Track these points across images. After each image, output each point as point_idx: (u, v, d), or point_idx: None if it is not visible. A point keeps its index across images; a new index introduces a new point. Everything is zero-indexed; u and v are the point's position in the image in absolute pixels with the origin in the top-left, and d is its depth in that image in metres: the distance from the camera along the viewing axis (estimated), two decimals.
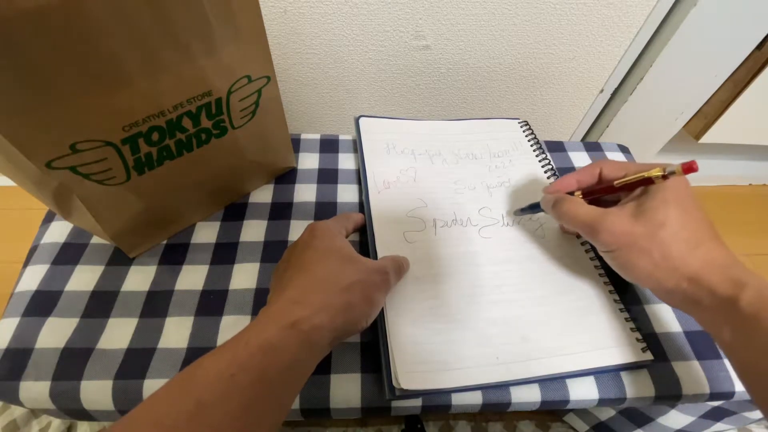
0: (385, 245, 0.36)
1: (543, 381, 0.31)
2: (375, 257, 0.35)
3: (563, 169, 0.47)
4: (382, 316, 0.32)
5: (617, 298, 0.34)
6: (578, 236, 0.38)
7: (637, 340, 0.32)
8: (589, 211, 0.31)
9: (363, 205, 0.40)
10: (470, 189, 0.42)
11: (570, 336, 0.32)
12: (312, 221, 0.40)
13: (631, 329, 0.33)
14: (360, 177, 0.43)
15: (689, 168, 0.27)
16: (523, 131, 0.48)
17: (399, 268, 0.33)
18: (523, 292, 0.35)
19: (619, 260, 0.30)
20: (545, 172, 0.43)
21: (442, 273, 0.35)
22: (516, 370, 0.30)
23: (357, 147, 0.45)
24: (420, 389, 0.29)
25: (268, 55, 0.33)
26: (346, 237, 0.34)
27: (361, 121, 0.47)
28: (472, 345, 0.31)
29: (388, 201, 0.40)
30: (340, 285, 0.27)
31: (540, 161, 0.45)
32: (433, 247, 0.37)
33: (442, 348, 0.31)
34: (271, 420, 0.23)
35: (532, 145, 0.46)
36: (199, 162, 0.34)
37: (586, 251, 0.37)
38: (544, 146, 0.48)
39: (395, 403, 0.31)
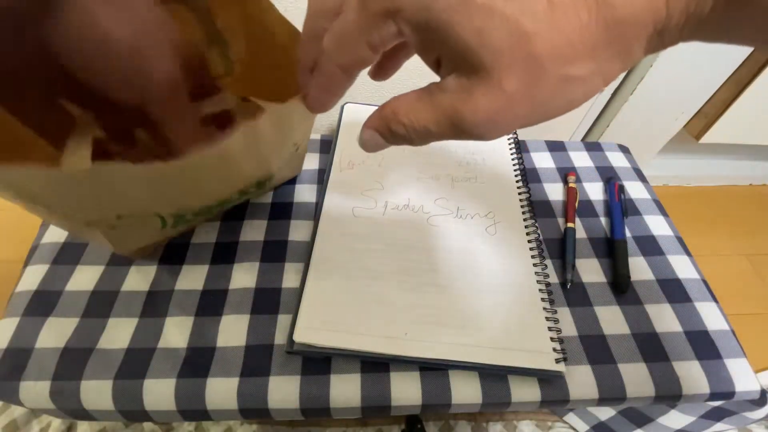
0: (330, 214, 0.38)
1: (482, 371, 0.32)
2: (316, 224, 0.38)
3: (564, 169, 0.47)
4: (306, 269, 0.34)
5: (548, 306, 0.34)
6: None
7: (554, 350, 0.31)
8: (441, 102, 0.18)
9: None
10: (434, 179, 0.42)
11: (484, 331, 0.32)
12: (311, 221, 0.40)
13: (551, 339, 0.32)
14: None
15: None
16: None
17: None
18: (453, 281, 0.35)
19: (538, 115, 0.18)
20: (516, 176, 0.44)
21: (379, 249, 0.36)
22: (418, 348, 0.31)
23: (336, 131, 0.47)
24: (316, 345, 0.30)
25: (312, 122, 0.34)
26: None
27: (346, 107, 0.48)
28: (385, 317, 0.32)
29: (348, 179, 0.41)
30: None
31: (513, 165, 0.45)
32: (377, 225, 0.38)
33: (353, 313, 0.32)
34: None
35: (511, 149, 0.46)
36: (227, 204, 0.35)
37: (532, 256, 0.37)
38: (525, 150, 0.48)
39: (395, 403, 0.31)
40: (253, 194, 0.37)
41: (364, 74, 0.61)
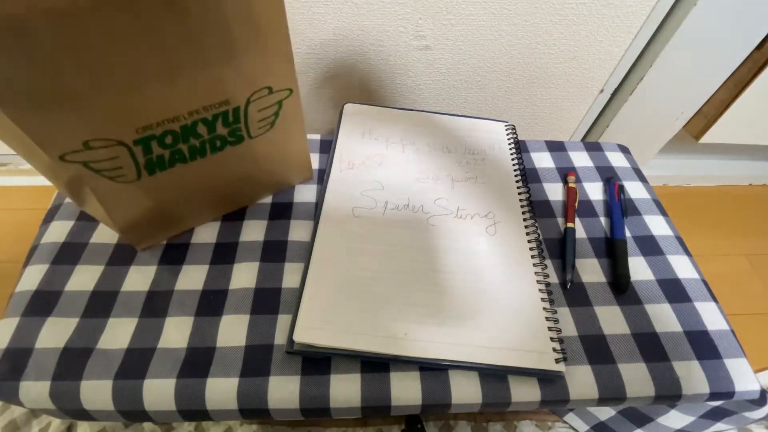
0: (330, 214, 0.39)
1: (482, 371, 0.32)
2: (316, 224, 0.38)
3: (564, 169, 0.47)
4: (306, 269, 0.35)
5: (548, 306, 0.34)
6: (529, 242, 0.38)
7: (554, 350, 0.32)
8: None
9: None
10: (433, 179, 0.43)
11: (484, 331, 0.32)
12: (311, 221, 0.40)
13: (551, 338, 0.32)
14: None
15: None
16: (507, 134, 0.48)
17: None
18: (453, 282, 0.35)
19: None
20: (515, 176, 0.44)
21: (379, 249, 0.36)
22: (418, 348, 0.31)
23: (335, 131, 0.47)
24: (316, 345, 0.30)
25: (291, 68, 0.32)
26: None
27: (346, 107, 0.48)
28: (384, 317, 0.32)
29: (348, 179, 0.42)
30: None
31: (513, 165, 0.45)
32: (377, 225, 0.38)
33: (353, 313, 0.32)
34: None
35: (510, 149, 0.46)
36: (212, 167, 0.34)
37: (532, 256, 0.37)
38: (524, 150, 0.48)
39: (395, 403, 0.31)
40: (220, 134, 0.32)
41: (360, 75, 0.61)
